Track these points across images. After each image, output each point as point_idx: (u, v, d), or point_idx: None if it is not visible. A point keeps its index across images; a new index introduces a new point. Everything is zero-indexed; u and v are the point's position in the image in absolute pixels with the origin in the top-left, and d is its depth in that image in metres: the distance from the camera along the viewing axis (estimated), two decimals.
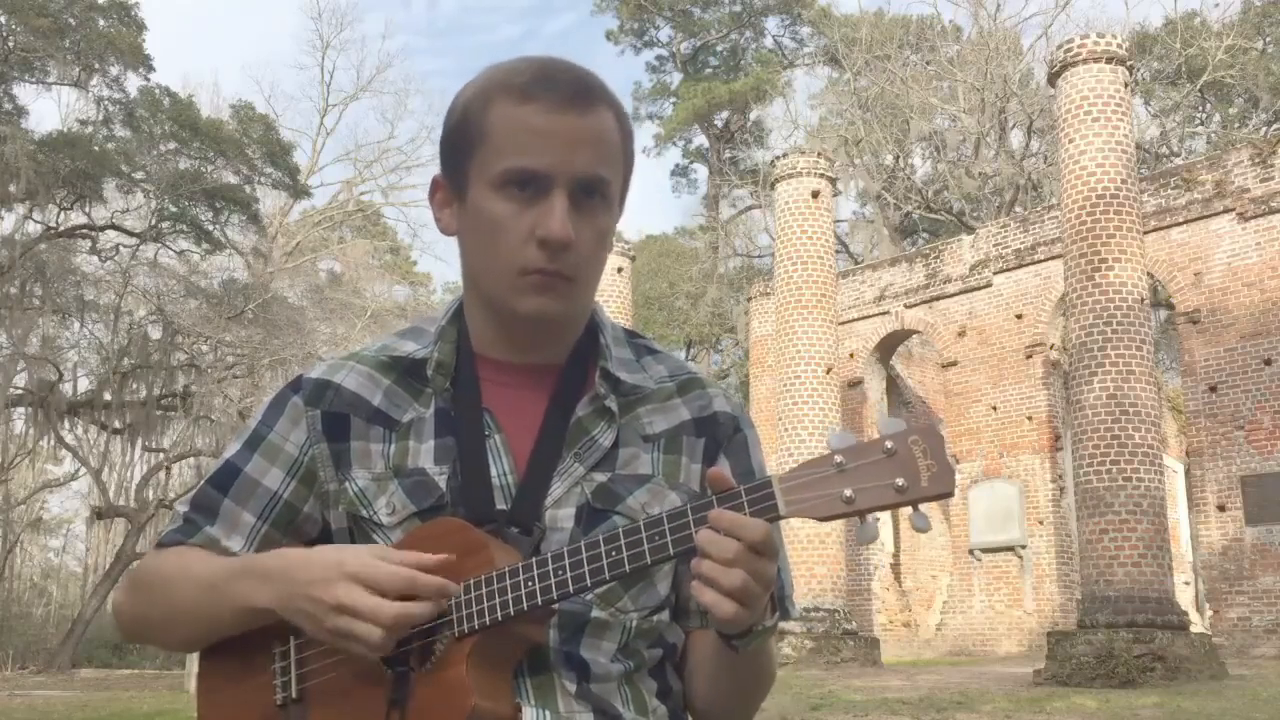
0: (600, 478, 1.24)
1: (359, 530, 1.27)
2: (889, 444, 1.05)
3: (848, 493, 1.04)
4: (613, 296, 20.25)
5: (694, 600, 1.26)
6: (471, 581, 1.14)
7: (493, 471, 1.23)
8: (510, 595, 1.12)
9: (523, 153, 1.16)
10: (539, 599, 1.11)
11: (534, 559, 1.13)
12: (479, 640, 1.13)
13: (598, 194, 1.19)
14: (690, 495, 1.26)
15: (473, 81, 1.23)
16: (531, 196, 1.17)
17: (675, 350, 23.67)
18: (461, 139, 1.21)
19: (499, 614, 1.12)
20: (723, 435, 1.31)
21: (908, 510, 1.05)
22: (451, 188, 1.25)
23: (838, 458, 1.06)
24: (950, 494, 1.03)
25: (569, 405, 1.26)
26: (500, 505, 1.22)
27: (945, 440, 1.08)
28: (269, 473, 1.29)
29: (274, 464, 1.29)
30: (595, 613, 1.21)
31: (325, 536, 1.31)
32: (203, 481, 1.32)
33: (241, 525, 1.28)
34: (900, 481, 1.04)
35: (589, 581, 1.11)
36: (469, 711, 1.10)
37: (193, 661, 15.48)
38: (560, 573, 1.11)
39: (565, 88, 1.17)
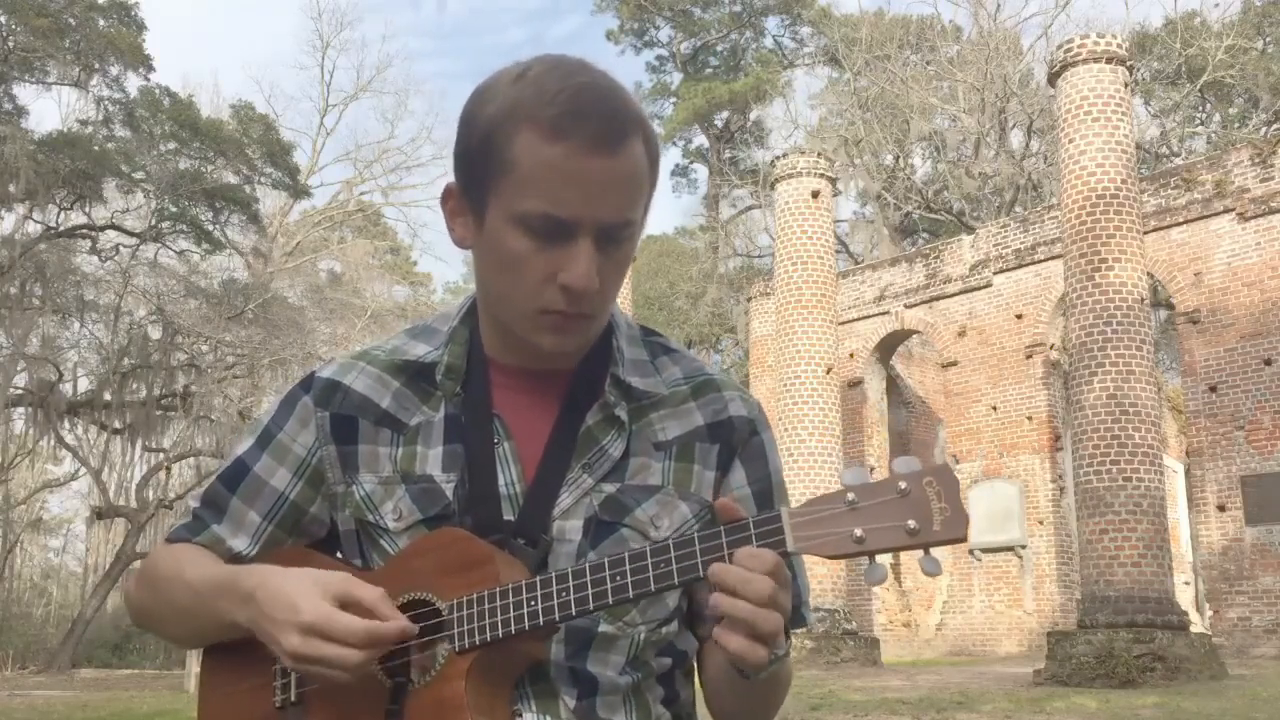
0: (609, 489, 1.22)
1: (366, 534, 1.26)
2: (903, 484, 1.02)
3: (858, 532, 1.02)
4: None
5: (708, 609, 1.26)
6: (475, 596, 1.13)
7: (500, 481, 1.22)
8: (513, 613, 1.11)
9: (549, 198, 1.11)
10: (540, 619, 1.10)
11: (539, 578, 1.12)
12: (479, 656, 1.12)
13: (622, 235, 1.16)
14: (702, 505, 1.25)
15: (497, 93, 1.14)
16: (554, 238, 1.13)
17: None
18: (482, 161, 1.15)
19: (499, 631, 1.11)
20: (738, 441, 1.28)
21: (918, 553, 1.03)
22: (467, 202, 1.19)
23: (850, 495, 1.03)
24: (963, 539, 1.00)
25: (579, 413, 1.24)
26: (507, 515, 1.20)
27: (959, 483, 1.06)
28: (276, 473, 1.29)
29: (282, 464, 1.29)
30: (603, 627, 1.20)
31: (333, 538, 1.32)
32: (214, 477, 1.32)
33: (247, 525, 1.28)
34: (912, 524, 1.01)
35: (592, 605, 1.10)
36: None
37: (193, 661, 15.50)
38: (564, 594, 1.10)
39: (597, 124, 1.10)
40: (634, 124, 1.13)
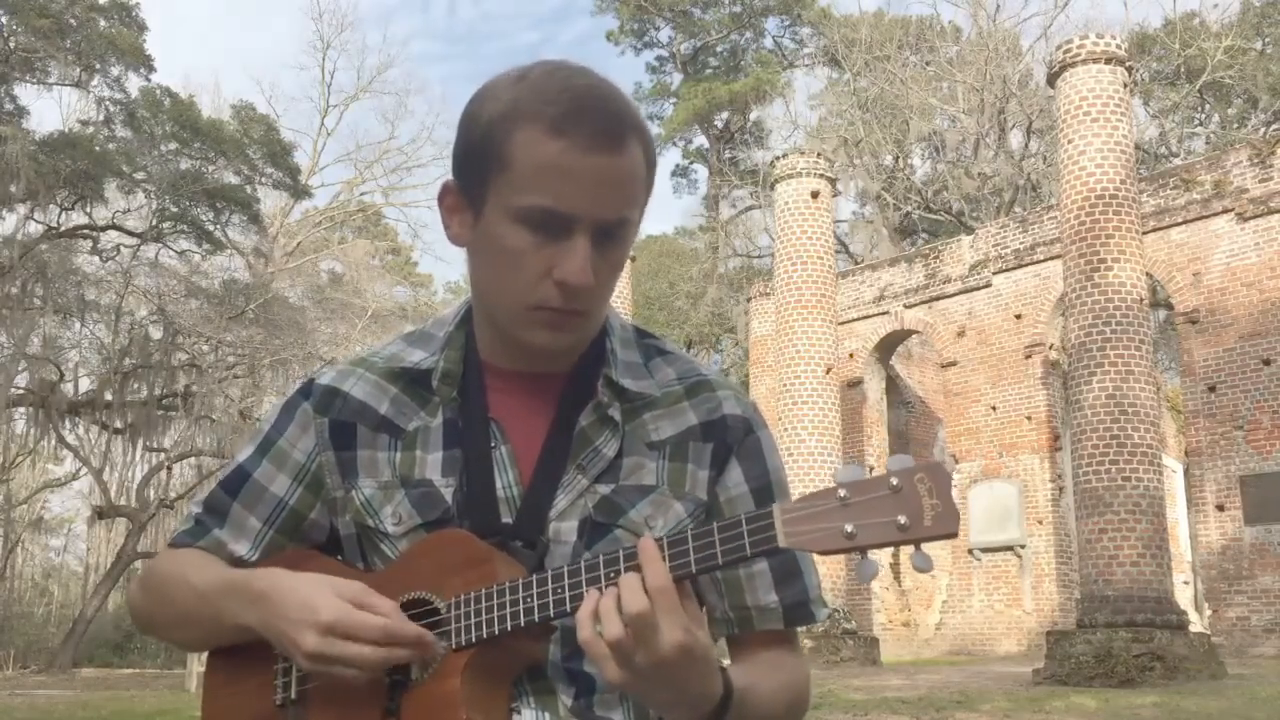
0: (603, 489, 1.23)
1: (366, 539, 1.28)
2: (894, 480, 1.02)
3: (849, 528, 1.02)
4: (613, 297, 20.26)
5: (718, 609, 1.26)
6: (472, 594, 1.14)
7: (498, 484, 1.23)
8: (509, 610, 1.12)
9: (549, 194, 1.12)
10: (536, 615, 1.11)
11: (534, 576, 1.13)
12: (476, 653, 1.13)
13: (618, 233, 1.17)
14: (696, 504, 1.25)
15: (498, 93, 1.17)
16: (552, 234, 1.14)
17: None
18: (482, 158, 1.16)
19: (496, 628, 1.12)
20: (733, 439, 1.28)
21: (909, 549, 1.03)
22: (464, 199, 1.21)
23: (841, 491, 1.03)
24: (953, 535, 1.00)
25: (574, 414, 1.25)
26: (505, 518, 1.22)
27: (952, 479, 1.06)
28: (276, 479, 1.30)
29: (281, 470, 1.30)
30: None
31: (333, 542, 1.33)
32: (216, 483, 1.34)
33: (248, 530, 1.30)
34: (903, 519, 1.01)
35: None
36: None
37: (193, 661, 15.50)
38: (559, 591, 1.10)
39: (598, 123, 1.12)
40: (633, 127, 1.15)
